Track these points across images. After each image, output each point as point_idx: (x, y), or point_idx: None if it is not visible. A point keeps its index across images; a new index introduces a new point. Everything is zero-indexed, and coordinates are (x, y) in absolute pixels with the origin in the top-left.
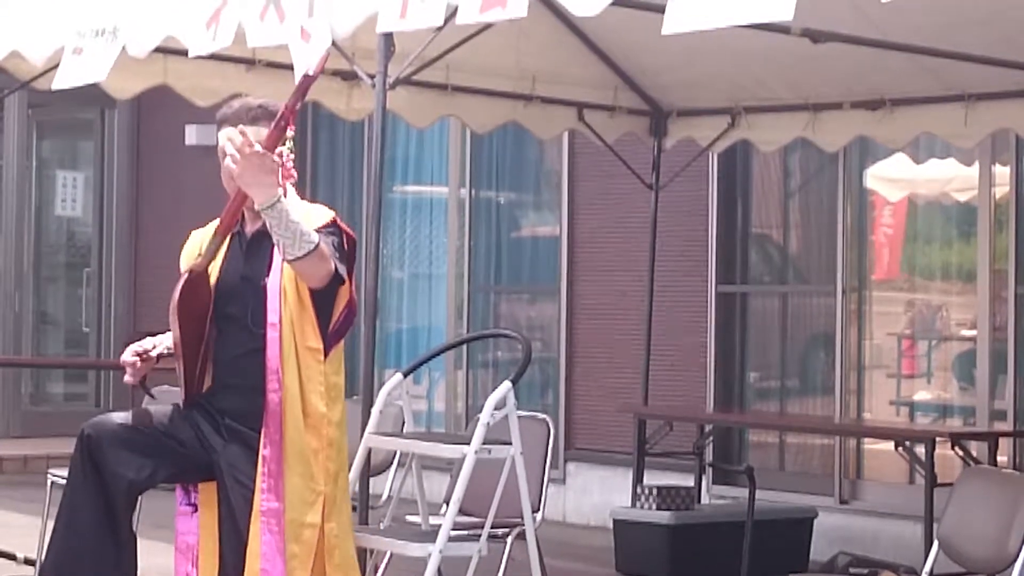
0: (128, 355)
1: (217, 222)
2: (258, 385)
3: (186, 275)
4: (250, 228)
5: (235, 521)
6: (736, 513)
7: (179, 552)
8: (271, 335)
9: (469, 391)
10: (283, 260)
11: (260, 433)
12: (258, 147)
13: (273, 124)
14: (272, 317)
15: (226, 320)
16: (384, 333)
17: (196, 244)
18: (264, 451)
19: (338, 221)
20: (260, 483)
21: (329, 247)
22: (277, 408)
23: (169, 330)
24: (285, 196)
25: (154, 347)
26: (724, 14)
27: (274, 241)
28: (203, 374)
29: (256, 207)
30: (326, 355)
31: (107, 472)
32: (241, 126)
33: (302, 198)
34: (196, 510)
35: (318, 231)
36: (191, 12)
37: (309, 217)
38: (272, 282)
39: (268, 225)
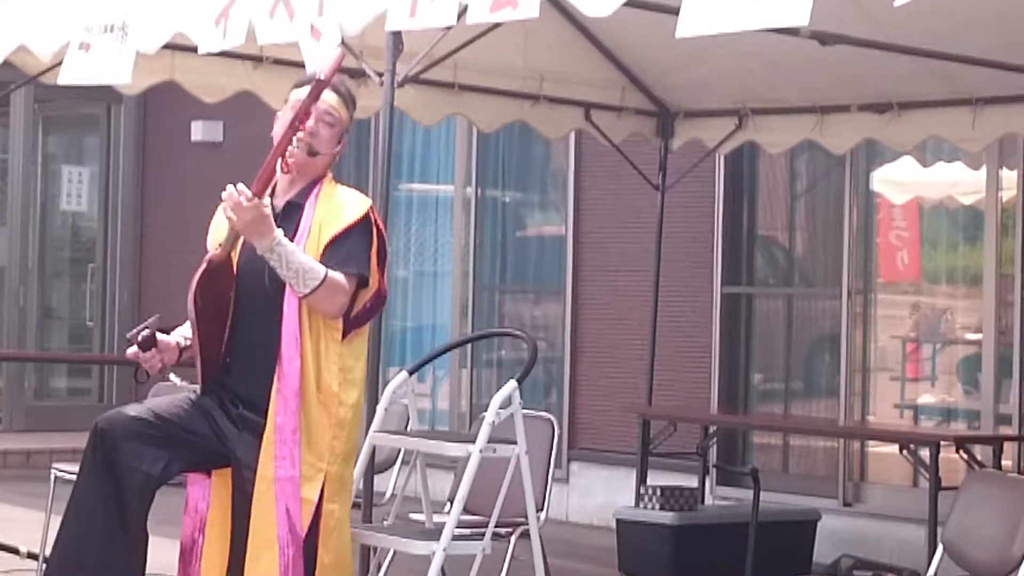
0: (131, 351)
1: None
2: (275, 359)
3: (205, 264)
4: (280, 200)
5: (250, 512)
6: (740, 514)
7: (187, 515)
8: (291, 302)
9: (473, 390)
10: (303, 242)
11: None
12: (245, 198)
13: (288, 124)
14: (291, 288)
15: (248, 295)
16: (389, 331)
17: (223, 221)
18: (278, 418)
19: (371, 214)
20: (274, 450)
21: (344, 270)
22: (295, 376)
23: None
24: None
25: (153, 334)
26: (739, 19)
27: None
28: (225, 356)
29: (259, 252)
30: (344, 335)
31: (121, 466)
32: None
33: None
34: (209, 476)
35: (345, 231)
36: (200, 9)
37: (346, 209)
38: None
39: (272, 266)
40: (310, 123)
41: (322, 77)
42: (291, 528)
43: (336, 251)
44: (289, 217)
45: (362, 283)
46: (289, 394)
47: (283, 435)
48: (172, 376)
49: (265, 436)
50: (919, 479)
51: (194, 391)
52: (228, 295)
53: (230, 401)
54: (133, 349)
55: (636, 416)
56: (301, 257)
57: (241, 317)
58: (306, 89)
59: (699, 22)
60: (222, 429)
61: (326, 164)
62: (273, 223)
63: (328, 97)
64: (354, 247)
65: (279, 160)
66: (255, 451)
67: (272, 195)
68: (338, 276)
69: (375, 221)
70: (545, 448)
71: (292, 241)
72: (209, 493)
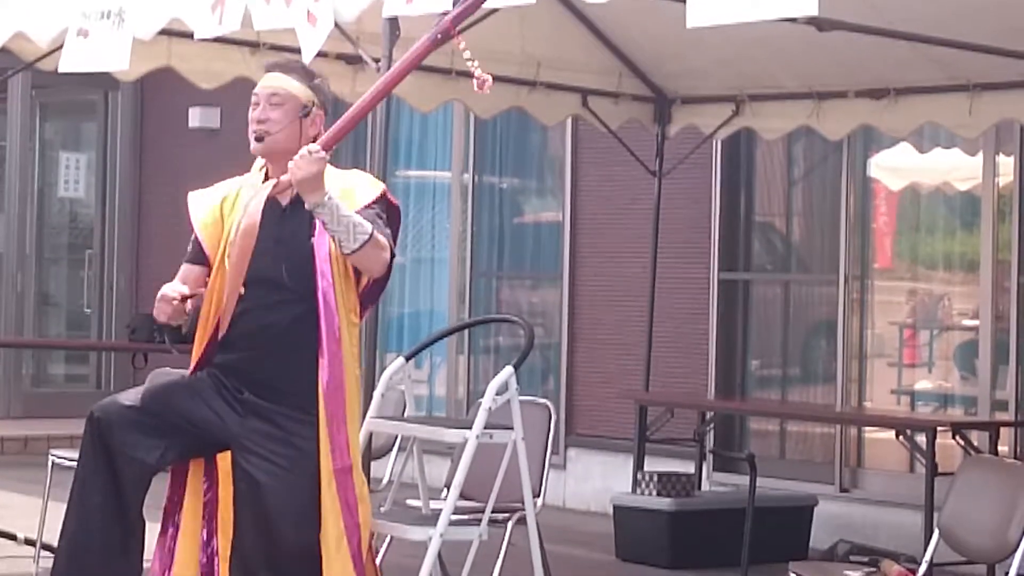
0: (170, 290)
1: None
2: (294, 350)
3: (267, 190)
4: (285, 198)
5: (260, 497)
6: (736, 500)
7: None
8: (325, 295)
9: (470, 376)
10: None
11: (294, 407)
12: (310, 151)
13: (428, 39)
14: (324, 279)
15: (259, 284)
16: (386, 317)
17: (211, 205)
18: (329, 409)
19: (387, 194)
20: (330, 443)
21: (381, 230)
22: (340, 369)
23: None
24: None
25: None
26: (749, 9)
27: (329, 236)
28: (213, 339)
29: (308, 207)
30: (361, 316)
31: (118, 455)
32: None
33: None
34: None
35: (367, 207)
36: None
37: (358, 190)
38: (320, 241)
39: (321, 223)
40: (258, 112)
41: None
42: (351, 514)
43: (371, 218)
44: (298, 212)
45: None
46: (336, 385)
47: (336, 426)
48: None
49: (320, 430)
50: (916, 465)
51: (187, 378)
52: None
53: (234, 387)
54: (174, 287)
55: (633, 402)
56: (349, 211)
57: (250, 303)
58: (275, 76)
59: (709, 12)
60: (221, 415)
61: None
62: (325, 181)
63: (268, 80)
64: (384, 219)
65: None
66: (263, 437)
67: (276, 195)
68: (380, 235)
69: (390, 201)
70: (542, 434)
71: (315, 232)
72: (185, 486)
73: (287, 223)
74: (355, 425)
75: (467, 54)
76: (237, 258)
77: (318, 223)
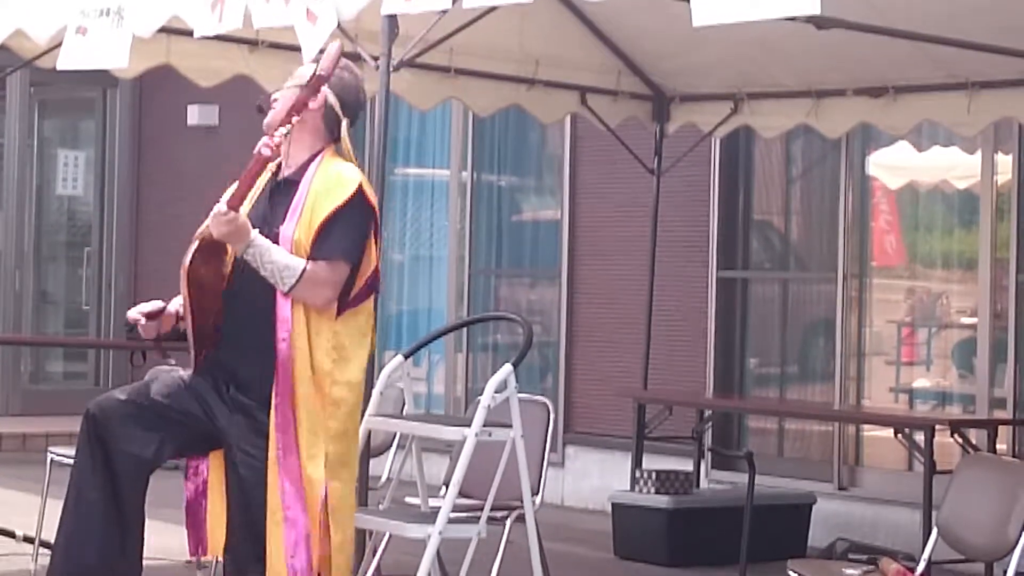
0: (133, 312)
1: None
2: (268, 341)
3: (197, 242)
4: (283, 173)
5: (244, 492)
6: (735, 498)
7: (188, 480)
8: (277, 288)
9: (469, 374)
10: (296, 220)
11: (265, 401)
12: (221, 214)
13: (285, 114)
14: None
15: (241, 276)
16: (385, 315)
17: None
18: (276, 399)
19: (363, 190)
20: (275, 432)
21: (331, 257)
22: (287, 358)
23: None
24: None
25: (162, 309)
26: (754, 8)
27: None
28: (216, 335)
29: (236, 254)
30: (339, 313)
31: (113, 451)
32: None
33: None
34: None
35: (335, 212)
36: None
37: (344, 187)
38: (286, 230)
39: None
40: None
41: (322, 73)
42: (299, 506)
43: (326, 236)
44: (284, 194)
45: (354, 266)
46: (285, 376)
47: (281, 417)
48: (171, 363)
49: (271, 418)
50: (914, 463)
51: (185, 375)
52: (223, 270)
53: (223, 382)
54: (136, 312)
55: (631, 400)
56: (276, 255)
57: (233, 298)
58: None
59: (714, 11)
60: (214, 410)
61: (312, 133)
62: (248, 229)
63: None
64: (345, 230)
65: (258, 172)
66: (246, 432)
67: (277, 169)
68: (320, 268)
69: (368, 197)
70: (540, 432)
71: (285, 219)
72: (208, 457)
73: (275, 203)
74: (308, 419)
75: (284, 133)
76: (184, 301)
77: (291, 209)
